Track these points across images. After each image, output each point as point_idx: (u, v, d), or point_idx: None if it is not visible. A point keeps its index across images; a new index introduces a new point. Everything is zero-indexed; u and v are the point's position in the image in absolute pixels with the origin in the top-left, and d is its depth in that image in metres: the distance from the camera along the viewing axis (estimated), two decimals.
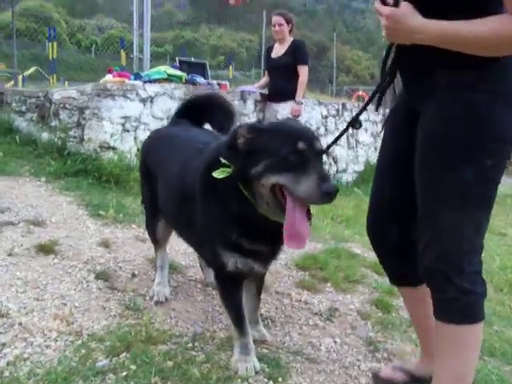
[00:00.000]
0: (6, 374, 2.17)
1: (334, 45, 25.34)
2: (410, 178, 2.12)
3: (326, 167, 8.98)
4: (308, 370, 2.61)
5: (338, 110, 9.22)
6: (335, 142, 2.50)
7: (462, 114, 1.92)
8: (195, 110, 3.18)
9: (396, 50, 2.12)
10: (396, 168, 2.29)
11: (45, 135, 5.94)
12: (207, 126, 3.21)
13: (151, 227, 3.19)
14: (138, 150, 5.91)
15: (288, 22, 7.14)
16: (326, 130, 8.94)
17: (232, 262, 2.35)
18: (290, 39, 7.17)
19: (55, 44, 10.09)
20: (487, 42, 1.78)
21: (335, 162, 9.18)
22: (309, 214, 2.13)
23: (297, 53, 7.07)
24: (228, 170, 2.22)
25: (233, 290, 2.52)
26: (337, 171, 9.19)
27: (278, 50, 7.23)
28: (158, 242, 3.21)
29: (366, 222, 2.46)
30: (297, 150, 2.06)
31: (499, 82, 1.90)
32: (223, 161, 2.24)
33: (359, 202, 7.02)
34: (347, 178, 9.35)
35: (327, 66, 28.91)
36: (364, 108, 2.38)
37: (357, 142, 9.72)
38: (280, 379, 2.46)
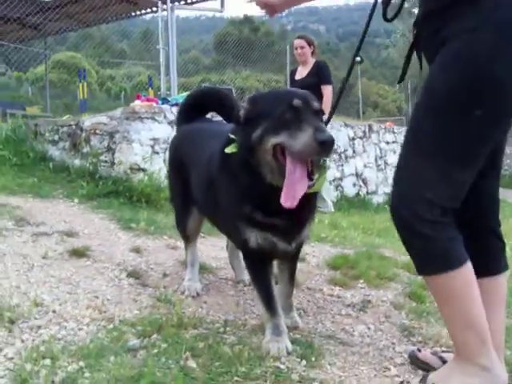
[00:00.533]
0: (42, 348, 2.20)
1: (359, 80, 25.59)
2: None
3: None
4: (342, 351, 2.57)
5: (364, 132, 9.25)
6: (346, 82, 2.59)
7: (458, 57, 1.84)
8: (197, 106, 3.25)
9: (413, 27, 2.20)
10: None
11: (77, 162, 6.10)
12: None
13: (182, 222, 3.23)
14: (167, 171, 6.02)
15: (310, 44, 7.29)
16: (354, 151, 8.97)
17: (253, 237, 2.37)
18: (312, 61, 7.30)
19: (85, 84, 10.43)
20: None
21: (365, 184, 9.16)
22: (310, 176, 2.15)
23: (320, 73, 7.18)
24: (237, 146, 2.29)
25: (261, 269, 2.53)
26: (367, 193, 9.17)
27: (302, 72, 7.36)
28: (189, 238, 3.25)
29: None
30: (291, 107, 2.09)
31: (497, 21, 1.78)
32: (233, 137, 2.33)
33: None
34: (378, 199, 9.32)
35: (354, 102, 29.10)
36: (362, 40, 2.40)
37: (385, 163, 9.71)
38: (313, 359, 2.41)
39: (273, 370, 2.24)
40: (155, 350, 2.29)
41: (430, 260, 1.99)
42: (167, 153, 5.98)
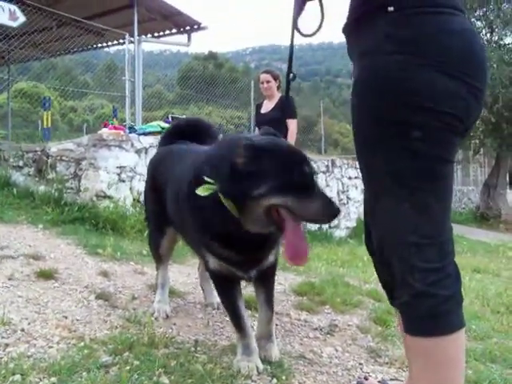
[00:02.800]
0: (11, 365, 2.17)
1: (321, 119, 26.04)
2: None
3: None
4: (311, 371, 2.62)
5: (327, 167, 9.42)
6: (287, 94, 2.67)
7: (370, 81, 1.72)
8: (181, 133, 3.28)
9: None
10: None
11: (42, 188, 6.04)
12: None
13: (155, 242, 3.24)
14: (133, 199, 6.02)
15: (275, 78, 7.42)
16: None
17: (211, 262, 2.46)
18: (278, 95, 7.43)
19: (49, 113, 10.36)
20: None
21: None
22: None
23: (285, 108, 7.30)
24: (212, 187, 2.20)
25: (227, 290, 2.57)
26: (329, 227, 9.27)
27: (267, 106, 7.47)
28: (161, 259, 3.26)
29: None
30: (302, 173, 2.10)
31: (408, 39, 1.66)
32: (206, 178, 2.24)
33: (354, 249, 7.11)
34: (340, 233, 9.43)
35: (315, 140, 29.52)
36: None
37: (348, 198, 9.87)
38: (284, 378, 2.45)
39: None
40: (128, 367, 2.28)
41: (415, 318, 1.73)
42: (133, 181, 6.01)
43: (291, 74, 2.34)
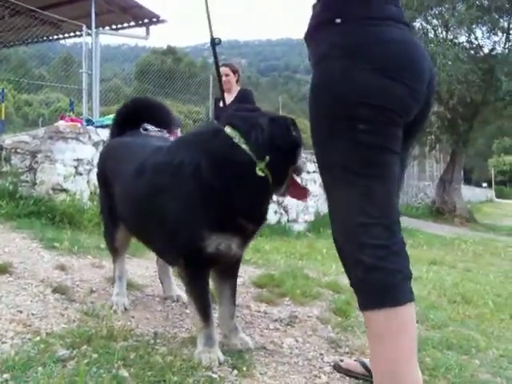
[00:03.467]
0: None
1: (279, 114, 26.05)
2: None
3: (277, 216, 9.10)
4: (272, 362, 2.62)
5: None
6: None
7: (321, 84, 1.99)
8: (133, 115, 3.23)
9: None
10: None
11: None
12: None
13: (110, 235, 3.20)
14: (91, 192, 5.92)
15: (234, 72, 7.40)
16: None
17: (213, 242, 2.36)
18: (237, 88, 7.41)
19: (3, 105, 10.09)
20: None
21: (286, 212, 9.31)
22: None
23: (244, 101, 7.29)
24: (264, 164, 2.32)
25: (199, 276, 2.52)
26: (288, 221, 9.32)
27: (226, 100, 7.45)
28: (117, 251, 3.21)
29: None
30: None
31: (352, 46, 1.93)
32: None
33: (312, 243, 7.16)
34: (298, 227, 9.47)
35: None
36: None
37: None
38: (245, 369, 2.45)
39: (205, 379, 2.26)
40: (86, 360, 2.24)
41: (366, 293, 1.92)
42: (91, 174, 5.90)
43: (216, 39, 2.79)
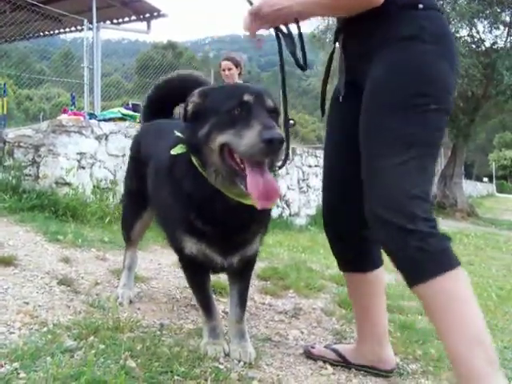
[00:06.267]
0: None
1: (280, 109, 26.03)
2: (357, 158, 2.13)
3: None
4: (278, 353, 2.63)
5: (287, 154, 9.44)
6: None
7: (411, 61, 2.00)
8: (165, 97, 3.01)
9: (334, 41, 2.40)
10: (342, 149, 2.36)
11: None
12: None
13: (129, 224, 3.12)
14: (94, 186, 5.92)
15: (237, 65, 7.39)
16: (275, 175, 9.09)
17: (188, 246, 2.25)
18: (239, 82, 7.41)
19: (5, 100, 10.08)
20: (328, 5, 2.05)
21: (288, 206, 9.32)
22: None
23: None
24: (184, 146, 2.16)
25: (196, 273, 2.45)
26: (290, 215, 9.33)
27: None
28: (131, 240, 3.18)
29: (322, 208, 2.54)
30: (242, 103, 1.94)
31: (436, 33, 2.03)
32: (181, 136, 2.19)
33: (315, 236, 7.17)
34: (300, 221, 9.49)
35: None
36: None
37: (308, 186, 9.93)
38: None
39: (212, 369, 2.26)
40: (93, 351, 2.24)
41: (427, 260, 1.86)
42: (93, 168, 5.91)
43: (290, 121, 2.36)
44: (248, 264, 2.47)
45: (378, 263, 2.46)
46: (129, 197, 3.20)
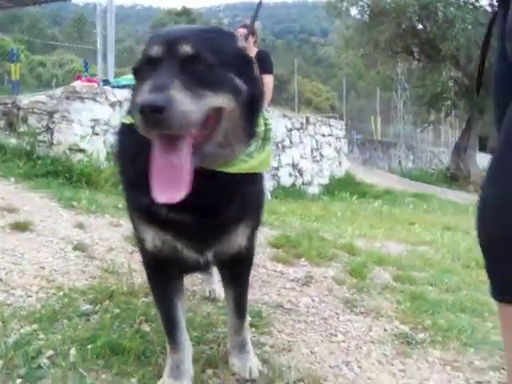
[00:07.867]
0: None
1: (294, 77, 25.87)
2: None
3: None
4: (289, 320, 2.67)
5: (302, 124, 9.42)
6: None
7: None
8: None
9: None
10: None
11: (13, 141, 5.92)
12: None
13: None
14: (107, 153, 5.95)
15: (252, 34, 7.32)
16: (291, 142, 9.11)
17: (149, 238, 1.74)
18: (254, 50, 7.35)
19: (18, 65, 10.08)
20: None
21: (301, 175, 9.33)
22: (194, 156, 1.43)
23: (262, 63, 7.21)
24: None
25: (161, 283, 1.89)
26: (302, 183, 9.34)
27: None
28: None
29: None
30: (149, 59, 1.46)
31: None
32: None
33: (327, 205, 7.19)
34: (313, 190, 9.51)
35: (288, 99, 29.42)
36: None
37: (321, 155, 9.92)
38: (263, 326, 2.50)
39: (224, 335, 2.30)
40: (108, 315, 2.31)
41: None
42: (107, 134, 5.93)
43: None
44: (241, 265, 2.02)
45: None
46: None
